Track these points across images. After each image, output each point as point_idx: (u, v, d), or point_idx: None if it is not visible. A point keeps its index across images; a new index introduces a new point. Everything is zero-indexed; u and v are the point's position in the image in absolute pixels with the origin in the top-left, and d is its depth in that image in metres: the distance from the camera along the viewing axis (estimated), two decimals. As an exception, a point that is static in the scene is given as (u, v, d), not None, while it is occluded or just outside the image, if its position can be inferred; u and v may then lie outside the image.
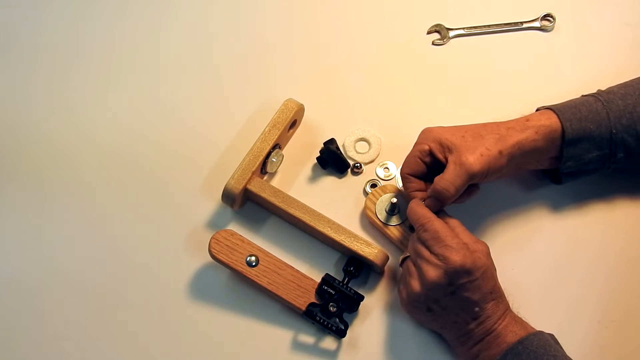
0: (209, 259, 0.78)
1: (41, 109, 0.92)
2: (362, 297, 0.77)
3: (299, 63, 0.94)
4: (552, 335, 0.71)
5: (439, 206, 0.74)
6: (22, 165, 0.88)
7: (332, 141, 0.85)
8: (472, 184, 0.75)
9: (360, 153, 0.88)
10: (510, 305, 0.73)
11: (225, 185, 0.80)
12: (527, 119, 0.77)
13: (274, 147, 0.83)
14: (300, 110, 0.86)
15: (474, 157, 0.72)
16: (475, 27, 0.95)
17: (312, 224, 0.79)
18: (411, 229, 0.80)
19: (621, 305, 0.79)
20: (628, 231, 0.82)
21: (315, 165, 0.87)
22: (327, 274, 0.78)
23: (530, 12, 0.96)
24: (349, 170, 0.87)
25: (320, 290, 0.77)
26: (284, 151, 0.86)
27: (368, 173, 0.87)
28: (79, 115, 0.91)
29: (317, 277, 0.78)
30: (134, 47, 0.96)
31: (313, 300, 0.77)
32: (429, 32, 0.96)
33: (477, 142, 0.73)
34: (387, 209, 0.81)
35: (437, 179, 0.73)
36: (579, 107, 0.76)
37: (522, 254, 0.81)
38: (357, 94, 0.92)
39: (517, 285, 0.76)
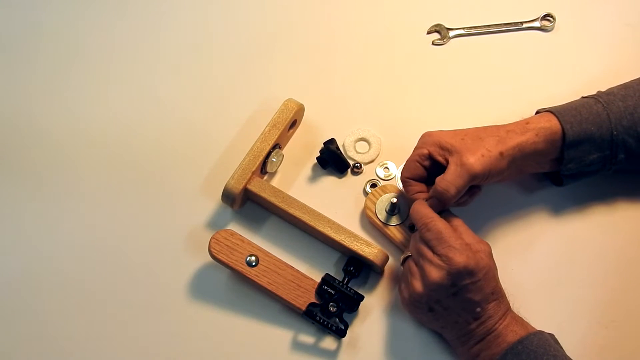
0: (209, 259, 0.78)
1: (40, 110, 0.92)
2: (362, 297, 0.77)
3: (299, 63, 0.94)
4: (552, 335, 0.71)
5: (441, 207, 0.74)
6: (22, 165, 0.88)
7: (332, 141, 0.85)
8: (473, 185, 0.75)
9: (360, 153, 0.88)
10: (511, 305, 0.73)
11: (225, 185, 0.80)
12: (526, 121, 0.77)
13: (274, 147, 0.83)
14: (300, 110, 0.86)
15: (475, 158, 0.72)
16: (475, 27, 0.95)
17: (312, 224, 0.79)
18: (411, 228, 0.80)
19: (621, 305, 0.79)
20: (628, 232, 0.82)
21: (315, 165, 0.87)
22: (327, 274, 0.78)
23: (530, 12, 0.96)
24: (349, 170, 0.87)
25: (320, 290, 0.77)
26: (284, 151, 0.86)
27: (368, 173, 0.87)
28: (79, 116, 0.91)
29: (317, 277, 0.78)
30: (134, 47, 0.96)
31: (313, 300, 0.77)
32: (429, 32, 0.96)
33: (478, 144, 0.73)
34: (387, 209, 0.81)
35: (438, 179, 0.73)
36: (579, 109, 0.76)
37: (522, 254, 0.81)
38: (357, 94, 0.92)
39: (518, 285, 0.76)
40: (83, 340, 0.79)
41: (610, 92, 0.79)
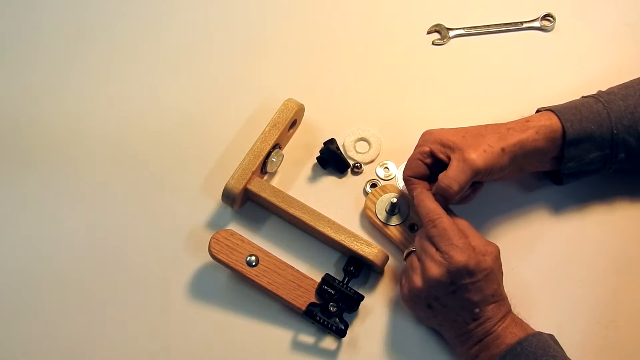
0: (209, 258, 0.78)
1: (40, 110, 0.92)
2: (362, 297, 0.77)
3: (299, 63, 0.94)
4: (551, 336, 0.70)
5: (444, 204, 0.74)
6: (22, 165, 0.88)
7: (332, 141, 0.85)
8: (475, 181, 0.75)
9: (360, 153, 0.88)
10: (511, 306, 0.73)
11: (225, 185, 0.80)
12: (527, 120, 0.77)
13: (274, 147, 0.83)
14: (300, 110, 0.86)
15: (477, 154, 0.72)
16: (475, 27, 0.95)
17: (312, 223, 0.79)
18: (411, 228, 0.80)
19: (621, 305, 0.79)
20: (628, 231, 0.82)
21: (315, 165, 0.87)
22: (327, 273, 0.78)
23: (530, 12, 0.96)
24: (349, 170, 0.87)
25: (320, 290, 0.77)
26: (284, 151, 0.86)
27: (368, 173, 0.87)
28: (79, 116, 0.91)
29: (317, 277, 0.78)
30: (134, 46, 0.96)
31: (313, 300, 0.77)
32: (429, 32, 0.96)
33: (479, 140, 0.73)
34: (387, 209, 0.81)
35: (441, 176, 0.73)
36: (580, 108, 0.76)
37: (522, 254, 0.81)
38: (357, 93, 0.92)
39: (518, 285, 0.76)
40: (83, 340, 0.79)
41: (610, 92, 0.79)
